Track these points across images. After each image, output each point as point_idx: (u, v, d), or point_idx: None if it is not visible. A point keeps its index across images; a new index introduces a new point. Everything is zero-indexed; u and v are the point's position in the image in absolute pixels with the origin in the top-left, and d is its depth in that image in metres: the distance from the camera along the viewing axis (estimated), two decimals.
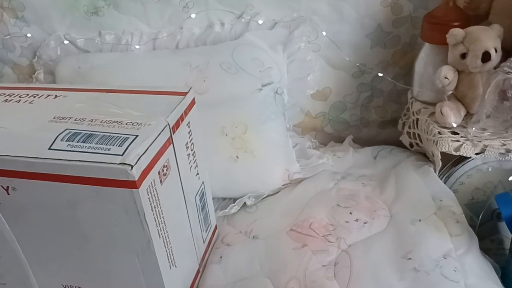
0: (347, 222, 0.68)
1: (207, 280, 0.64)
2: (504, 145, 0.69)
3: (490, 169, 0.74)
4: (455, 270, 0.58)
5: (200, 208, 0.65)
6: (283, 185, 0.80)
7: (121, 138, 0.48)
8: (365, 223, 0.68)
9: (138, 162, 0.45)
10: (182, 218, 0.59)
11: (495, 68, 0.71)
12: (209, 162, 0.77)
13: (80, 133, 0.49)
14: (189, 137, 0.58)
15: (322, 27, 0.89)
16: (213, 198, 0.80)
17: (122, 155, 0.45)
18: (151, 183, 0.47)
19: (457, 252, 0.61)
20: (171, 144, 0.52)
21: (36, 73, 0.91)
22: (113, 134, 0.48)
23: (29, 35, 0.90)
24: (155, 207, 0.49)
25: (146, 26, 0.90)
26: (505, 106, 0.68)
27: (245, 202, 0.77)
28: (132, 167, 0.44)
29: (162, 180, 0.50)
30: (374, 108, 0.98)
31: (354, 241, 0.65)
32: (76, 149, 0.46)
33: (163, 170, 0.50)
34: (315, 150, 0.88)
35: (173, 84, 0.81)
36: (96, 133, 0.48)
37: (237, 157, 0.77)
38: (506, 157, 0.69)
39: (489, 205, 0.75)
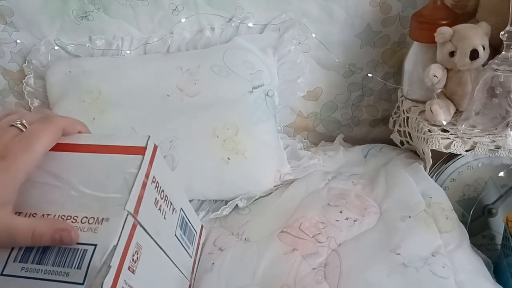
0: (337, 220, 0.68)
1: None
2: (494, 141, 0.69)
3: (480, 166, 0.74)
4: (443, 267, 0.58)
5: (183, 234, 0.60)
6: (274, 186, 0.80)
7: (79, 252, 0.42)
8: (355, 221, 0.68)
9: (103, 285, 0.40)
10: (165, 270, 0.54)
11: (483, 65, 0.72)
12: (200, 164, 0.77)
13: (32, 248, 0.42)
14: (157, 191, 0.51)
15: (312, 28, 0.89)
16: (204, 200, 0.81)
17: (82, 283, 0.40)
18: (123, 285, 0.43)
19: (447, 248, 0.62)
20: (138, 225, 0.46)
21: (26, 78, 0.91)
22: (69, 246, 0.42)
23: (18, 40, 0.90)
24: None
25: (136, 30, 0.90)
26: (494, 103, 0.69)
27: (237, 204, 0.77)
28: None
29: (135, 268, 0.45)
30: (365, 107, 0.98)
31: (344, 240, 0.65)
32: (32, 275, 0.41)
33: (133, 259, 0.45)
34: (306, 151, 0.89)
35: (165, 86, 0.82)
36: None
37: (229, 158, 0.77)
38: (496, 154, 0.69)
39: (479, 201, 0.76)
